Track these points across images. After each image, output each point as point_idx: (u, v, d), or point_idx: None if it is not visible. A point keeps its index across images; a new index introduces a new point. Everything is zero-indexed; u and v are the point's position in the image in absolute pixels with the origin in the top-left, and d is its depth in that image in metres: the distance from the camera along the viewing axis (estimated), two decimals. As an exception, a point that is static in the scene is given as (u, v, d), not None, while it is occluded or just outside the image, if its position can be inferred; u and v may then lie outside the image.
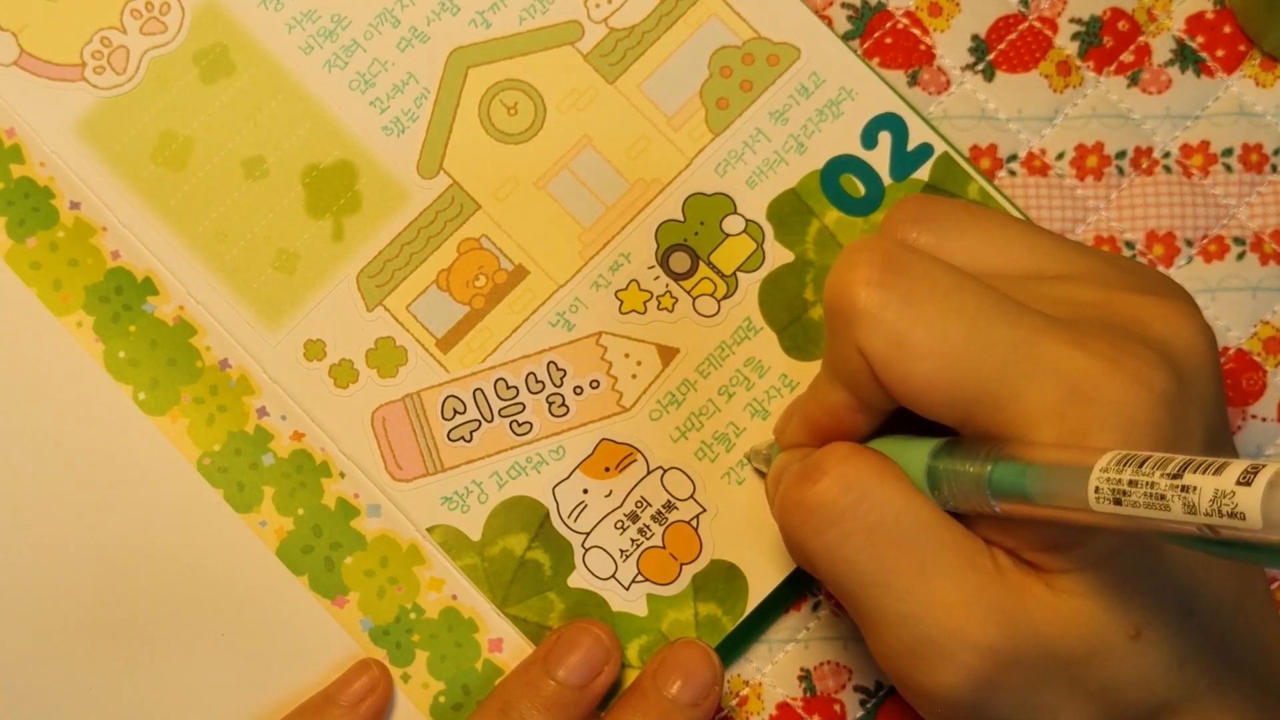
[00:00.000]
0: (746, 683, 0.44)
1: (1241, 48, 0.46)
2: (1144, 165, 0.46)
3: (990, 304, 0.34)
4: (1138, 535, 0.34)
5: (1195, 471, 0.28)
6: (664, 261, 0.45)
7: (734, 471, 0.44)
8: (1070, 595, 0.34)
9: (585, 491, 0.44)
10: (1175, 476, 0.28)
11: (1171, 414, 0.33)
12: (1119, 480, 0.29)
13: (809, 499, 0.36)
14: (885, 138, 0.45)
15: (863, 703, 0.44)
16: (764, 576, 0.43)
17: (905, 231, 0.38)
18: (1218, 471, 0.28)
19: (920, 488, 0.36)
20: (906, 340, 0.34)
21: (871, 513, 0.35)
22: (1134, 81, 0.46)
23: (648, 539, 0.44)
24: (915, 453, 0.36)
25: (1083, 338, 0.34)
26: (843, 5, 0.46)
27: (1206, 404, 0.35)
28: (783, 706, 0.44)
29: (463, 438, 0.44)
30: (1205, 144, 0.46)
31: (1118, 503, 0.29)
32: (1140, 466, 0.29)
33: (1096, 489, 0.30)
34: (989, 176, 0.45)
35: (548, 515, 0.44)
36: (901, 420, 0.37)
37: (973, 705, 0.35)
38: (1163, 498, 0.28)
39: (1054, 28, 0.46)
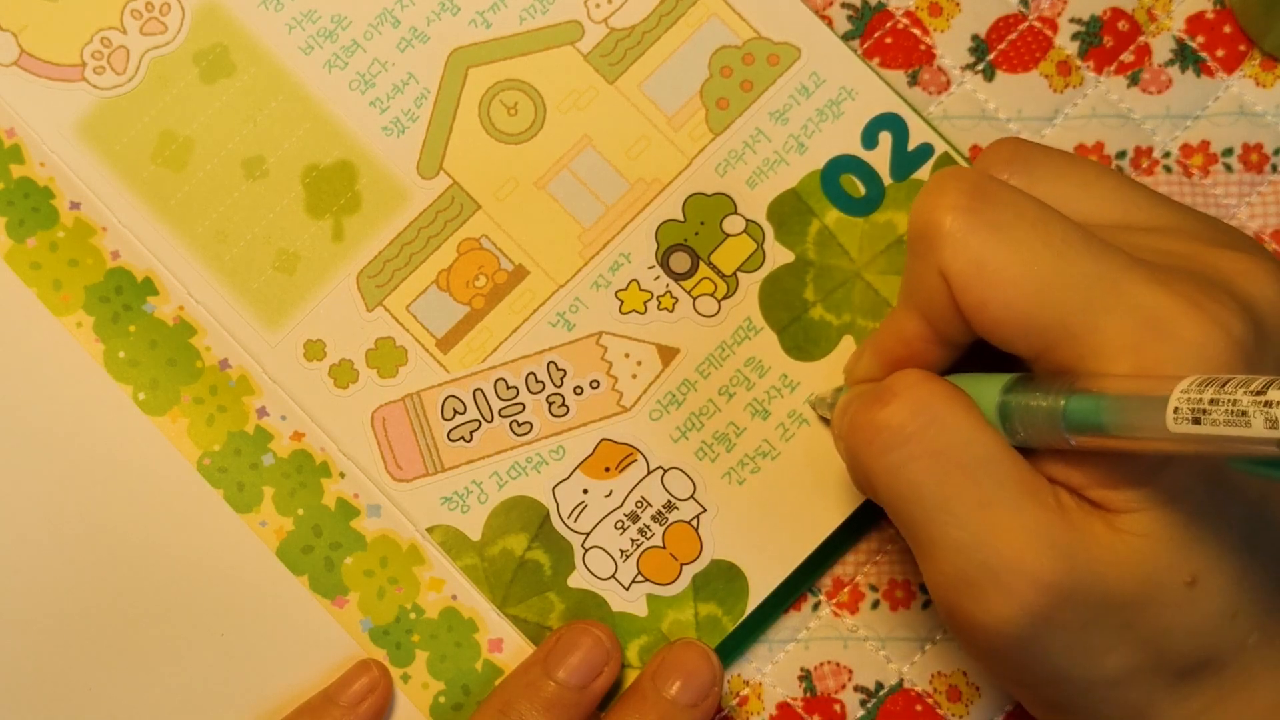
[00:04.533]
0: (746, 683, 0.44)
1: (1241, 48, 0.46)
2: (1144, 165, 0.46)
3: (1076, 238, 0.35)
4: (1208, 469, 0.34)
5: None
6: (664, 261, 0.45)
7: (734, 471, 0.44)
8: (1131, 536, 0.34)
9: (585, 491, 0.44)
10: (1259, 393, 0.28)
11: (1247, 364, 0.33)
12: (1199, 400, 0.29)
13: (878, 419, 0.36)
14: (885, 138, 0.45)
15: (863, 703, 0.44)
16: (764, 576, 0.43)
17: (998, 172, 0.38)
18: None
19: (991, 423, 0.36)
20: (989, 265, 0.34)
21: (939, 438, 0.35)
22: (1134, 81, 0.46)
23: (648, 539, 0.44)
24: (987, 388, 0.36)
25: (1167, 278, 0.34)
26: (843, 5, 0.46)
27: None
28: (783, 706, 0.44)
29: (463, 438, 0.44)
30: (1205, 144, 0.46)
31: (1196, 422, 0.29)
32: (1223, 386, 0.29)
33: (1175, 409, 0.29)
34: (989, 176, 0.45)
35: (548, 515, 0.44)
36: (972, 363, 0.37)
37: (1021, 640, 0.35)
38: (1244, 414, 0.28)
39: (1054, 28, 0.46)
